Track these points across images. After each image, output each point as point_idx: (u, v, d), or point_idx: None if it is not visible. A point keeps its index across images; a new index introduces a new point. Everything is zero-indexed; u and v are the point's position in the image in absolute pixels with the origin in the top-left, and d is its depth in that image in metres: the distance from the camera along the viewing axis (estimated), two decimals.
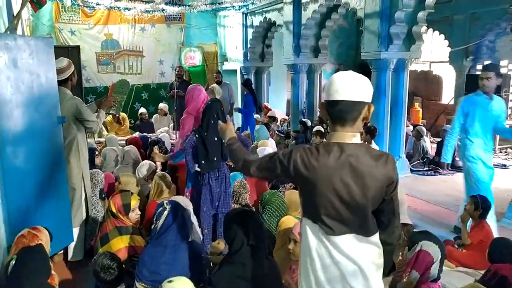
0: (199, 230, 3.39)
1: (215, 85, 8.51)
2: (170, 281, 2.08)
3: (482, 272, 3.07)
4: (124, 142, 6.41)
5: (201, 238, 3.45)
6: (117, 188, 4.10)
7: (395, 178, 1.64)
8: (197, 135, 3.55)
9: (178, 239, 2.57)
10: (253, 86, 9.86)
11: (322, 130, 6.21)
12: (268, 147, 5.34)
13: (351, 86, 1.59)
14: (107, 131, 8.28)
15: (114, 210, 3.06)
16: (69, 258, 3.67)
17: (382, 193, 1.63)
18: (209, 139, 3.53)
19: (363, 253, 1.65)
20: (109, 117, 8.61)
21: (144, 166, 4.63)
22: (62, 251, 3.63)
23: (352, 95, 1.58)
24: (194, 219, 3.27)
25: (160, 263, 2.51)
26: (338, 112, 1.61)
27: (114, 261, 2.58)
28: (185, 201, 3.37)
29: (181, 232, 2.59)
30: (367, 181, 1.58)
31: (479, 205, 3.64)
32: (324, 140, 5.90)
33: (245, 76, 9.82)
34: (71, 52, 4.27)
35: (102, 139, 7.45)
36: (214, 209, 3.70)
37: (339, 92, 1.58)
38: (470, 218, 3.73)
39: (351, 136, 1.62)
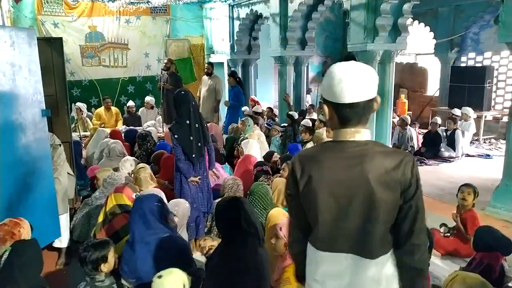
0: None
1: (204, 76, 8.47)
2: (160, 276, 2.07)
3: (468, 259, 3.13)
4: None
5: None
6: (98, 185, 4.06)
7: (414, 180, 1.35)
8: (176, 135, 3.58)
9: (145, 234, 2.51)
10: (240, 78, 9.85)
11: (311, 125, 6.19)
12: (251, 139, 5.33)
13: (361, 84, 1.35)
14: (95, 123, 8.15)
15: (128, 203, 3.00)
16: (53, 244, 3.58)
17: (397, 200, 1.36)
18: (192, 126, 3.63)
19: (363, 281, 1.40)
20: (100, 109, 8.48)
21: (128, 161, 4.61)
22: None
23: (364, 94, 1.36)
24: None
25: (135, 258, 2.47)
26: (350, 114, 1.38)
27: (101, 245, 2.39)
28: (160, 194, 3.35)
29: (146, 226, 2.53)
30: (373, 184, 1.33)
31: (477, 194, 3.68)
32: (312, 136, 5.90)
33: (232, 69, 9.77)
34: (53, 44, 4.15)
35: (87, 133, 7.36)
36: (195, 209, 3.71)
37: (350, 92, 1.35)
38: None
39: (354, 132, 1.40)
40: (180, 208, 3.12)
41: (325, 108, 1.45)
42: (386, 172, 1.33)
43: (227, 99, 8.47)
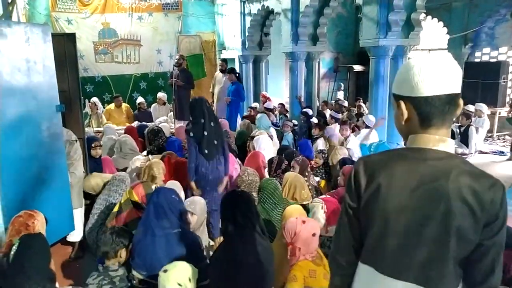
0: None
1: (217, 73, 8.46)
2: (165, 270, 2.13)
3: None
4: (123, 132, 6.42)
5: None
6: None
7: (502, 213, 1.12)
8: (191, 133, 3.71)
9: (159, 227, 2.51)
10: (250, 75, 9.85)
11: (321, 122, 6.26)
12: (263, 135, 5.32)
13: (444, 74, 1.15)
14: (107, 120, 8.24)
15: (138, 200, 3.06)
16: (67, 238, 3.65)
17: (476, 233, 1.12)
18: (207, 125, 3.74)
19: None
20: (110, 107, 8.58)
21: (137, 161, 4.61)
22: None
23: (448, 86, 1.15)
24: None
25: (147, 250, 2.49)
26: (433, 111, 1.17)
27: (121, 235, 2.55)
28: (178, 187, 3.37)
29: (161, 219, 2.54)
30: (454, 207, 1.10)
31: None
32: (323, 132, 5.90)
33: (244, 65, 9.79)
34: (66, 40, 4.20)
35: (101, 129, 7.45)
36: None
37: (431, 83, 1.15)
38: None
39: (438, 140, 1.17)
40: (197, 205, 3.12)
41: (403, 106, 1.21)
42: (473, 196, 1.10)
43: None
